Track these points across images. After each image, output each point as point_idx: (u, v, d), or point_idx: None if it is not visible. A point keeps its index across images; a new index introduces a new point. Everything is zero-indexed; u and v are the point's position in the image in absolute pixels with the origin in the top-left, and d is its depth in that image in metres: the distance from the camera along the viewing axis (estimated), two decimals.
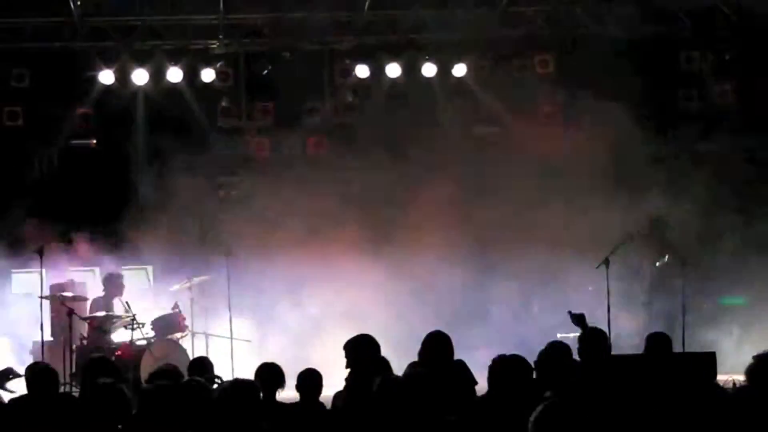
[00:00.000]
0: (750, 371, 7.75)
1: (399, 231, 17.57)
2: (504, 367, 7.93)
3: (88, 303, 16.06)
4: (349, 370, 9.04)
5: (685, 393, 7.26)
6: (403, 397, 6.99)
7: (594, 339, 8.92)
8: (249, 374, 8.88)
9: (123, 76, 18.51)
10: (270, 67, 18.86)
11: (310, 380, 8.86)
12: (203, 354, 14.88)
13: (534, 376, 8.18)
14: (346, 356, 9.09)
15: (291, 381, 8.85)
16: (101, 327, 15.38)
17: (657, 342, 9.47)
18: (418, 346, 9.34)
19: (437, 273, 17.35)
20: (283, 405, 8.64)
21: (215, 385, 8.93)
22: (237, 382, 7.16)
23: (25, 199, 17.67)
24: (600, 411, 7.58)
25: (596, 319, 15.36)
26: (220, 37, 18.72)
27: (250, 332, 16.83)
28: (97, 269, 17.46)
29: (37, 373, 8.38)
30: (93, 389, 6.82)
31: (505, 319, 17.10)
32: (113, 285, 16.01)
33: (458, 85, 18.96)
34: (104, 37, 18.52)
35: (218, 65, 18.67)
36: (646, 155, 17.91)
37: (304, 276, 17.64)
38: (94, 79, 18.43)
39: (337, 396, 9.13)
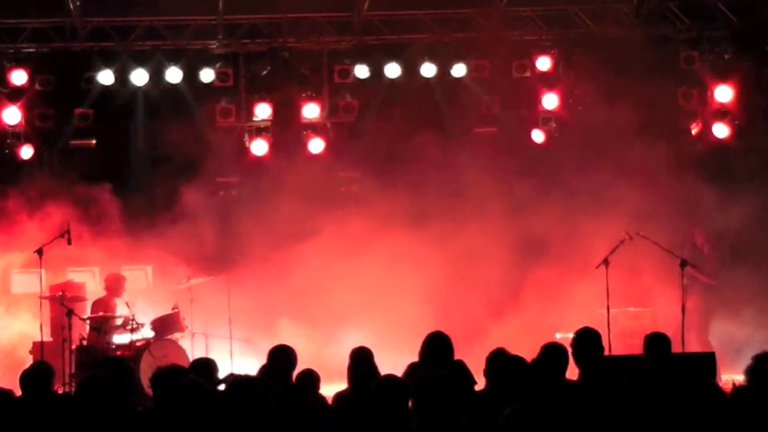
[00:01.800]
0: (749, 371, 7.75)
1: (398, 231, 17.57)
2: (502, 366, 7.96)
3: (89, 304, 16.08)
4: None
5: (685, 393, 7.24)
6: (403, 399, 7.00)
7: (587, 340, 8.86)
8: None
9: (123, 77, 18.51)
10: (269, 67, 18.84)
11: (307, 378, 8.89)
12: (202, 354, 14.87)
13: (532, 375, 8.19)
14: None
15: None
16: (98, 327, 15.39)
17: (656, 343, 9.44)
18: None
19: (435, 276, 17.39)
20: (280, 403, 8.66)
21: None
22: (243, 379, 7.20)
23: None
24: (590, 412, 7.60)
25: (597, 319, 15.47)
26: (220, 37, 18.73)
27: (256, 333, 16.83)
28: (97, 269, 17.47)
29: (30, 373, 8.39)
30: (79, 383, 6.86)
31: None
32: (115, 286, 16.01)
33: (458, 85, 18.97)
34: (104, 37, 18.52)
35: (218, 65, 18.67)
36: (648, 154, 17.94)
37: (303, 275, 17.66)
38: (93, 79, 18.42)
39: (338, 396, 9.14)
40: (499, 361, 8.35)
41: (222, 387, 8.60)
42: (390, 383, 7.20)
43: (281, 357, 8.83)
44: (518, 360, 8.13)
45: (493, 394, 8.06)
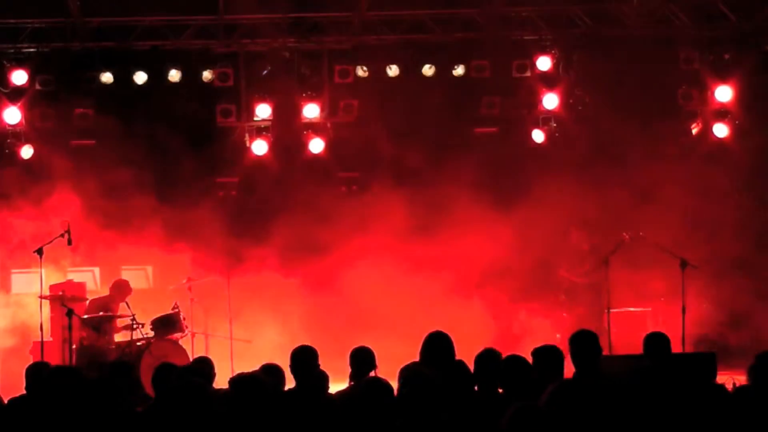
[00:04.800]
0: (751, 370, 7.73)
1: (397, 231, 17.59)
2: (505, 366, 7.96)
3: (86, 303, 16.07)
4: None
5: (685, 394, 7.23)
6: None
7: (583, 341, 8.80)
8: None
9: (123, 77, 18.51)
10: (269, 67, 18.84)
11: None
12: (203, 354, 14.84)
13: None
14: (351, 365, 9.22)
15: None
16: (98, 327, 15.38)
17: (656, 343, 9.43)
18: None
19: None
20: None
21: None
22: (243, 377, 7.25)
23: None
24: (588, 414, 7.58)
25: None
26: (220, 37, 18.72)
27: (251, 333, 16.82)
28: (97, 269, 17.47)
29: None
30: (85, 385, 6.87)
31: None
32: (121, 292, 16.00)
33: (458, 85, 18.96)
34: (104, 37, 18.52)
35: (218, 65, 18.66)
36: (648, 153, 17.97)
37: (304, 275, 17.69)
38: (94, 79, 18.41)
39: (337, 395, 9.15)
40: (488, 359, 8.37)
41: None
42: (374, 384, 7.21)
43: (304, 355, 8.81)
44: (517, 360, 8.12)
45: (487, 395, 8.07)
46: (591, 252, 16.99)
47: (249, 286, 17.09)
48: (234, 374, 7.63)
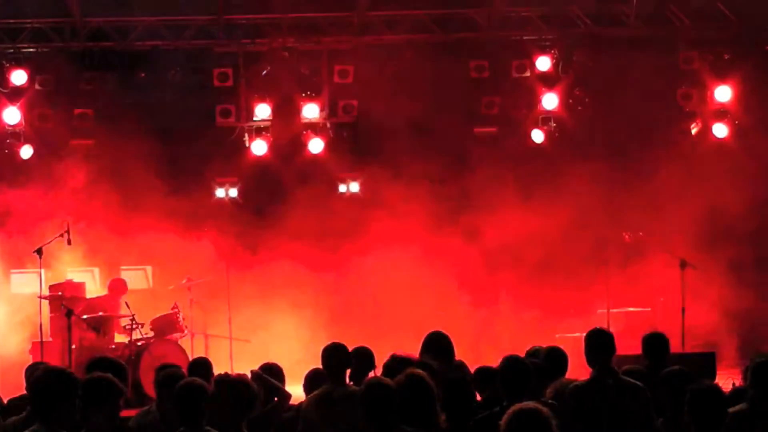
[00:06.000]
0: (748, 371, 7.73)
1: (398, 231, 17.60)
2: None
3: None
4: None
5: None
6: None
7: (599, 339, 8.75)
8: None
9: (123, 77, 18.51)
10: (269, 67, 18.84)
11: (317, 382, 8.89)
12: (202, 354, 14.85)
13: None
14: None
15: None
16: (98, 327, 15.38)
17: (655, 343, 9.43)
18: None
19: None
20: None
21: None
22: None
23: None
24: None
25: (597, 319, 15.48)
26: (220, 37, 18.73)
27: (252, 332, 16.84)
28: (96, 269, 17.48)
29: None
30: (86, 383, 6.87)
31: None
32: (117, 289, 16.02)
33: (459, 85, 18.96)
34: (104, 37, 18.52)
35: (218, 65, 18.65)
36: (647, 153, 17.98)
37: (303, 275, 17.71)
38: (94, 79, 18.41)
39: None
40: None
41: None
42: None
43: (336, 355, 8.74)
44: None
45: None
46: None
47: (249, 286, 17.11)
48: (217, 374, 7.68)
